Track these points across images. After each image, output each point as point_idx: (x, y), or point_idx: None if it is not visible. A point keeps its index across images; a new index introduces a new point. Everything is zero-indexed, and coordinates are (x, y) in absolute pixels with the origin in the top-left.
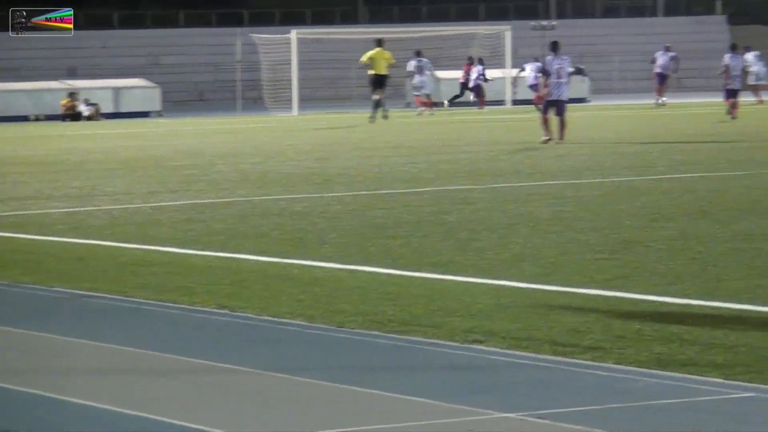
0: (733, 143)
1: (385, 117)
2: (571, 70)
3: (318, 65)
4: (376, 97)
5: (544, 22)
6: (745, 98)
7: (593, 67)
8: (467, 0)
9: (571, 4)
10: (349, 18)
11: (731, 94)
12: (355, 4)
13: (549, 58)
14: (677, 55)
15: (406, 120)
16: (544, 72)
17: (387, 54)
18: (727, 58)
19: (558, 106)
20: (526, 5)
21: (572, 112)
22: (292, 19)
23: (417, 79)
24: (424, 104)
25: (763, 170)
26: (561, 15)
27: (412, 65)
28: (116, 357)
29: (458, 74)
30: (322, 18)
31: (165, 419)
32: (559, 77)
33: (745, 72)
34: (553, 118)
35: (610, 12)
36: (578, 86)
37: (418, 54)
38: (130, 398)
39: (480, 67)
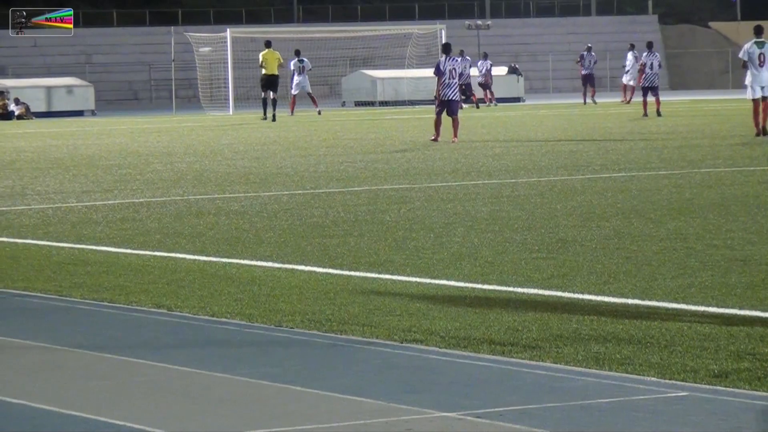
0: (665, 141)
1: (273, 118)
2: (461, 71)
3: (253, 64)
4: (268, 96)
5: (479, 22)
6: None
7: (528, 67)
8: None
9: (506, 4)
10: (283, 17)
11: (648, 91)
12: (290, 4)
13: (442, 59)
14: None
15: (340, 119)
16: (437, 73)
17: (277, 54)
18: (643, 56)
19: (450, 106)
20: (460, 5)
21: (507, 111)
22: (226, 18)
23: (296, 78)
24: (293, 104)
25: (694, 169)
26: (495, 14)
27: (292, 65)
28: (51, 356)
29: (395, 73)
30: (256, 17)
31: (101, 418)
32: (451, 78)
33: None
34: (445, 118)
35: (544, 11)
36: (513, 85)
37: (298, 54)
38: (65, 398)
39: (488, 63)
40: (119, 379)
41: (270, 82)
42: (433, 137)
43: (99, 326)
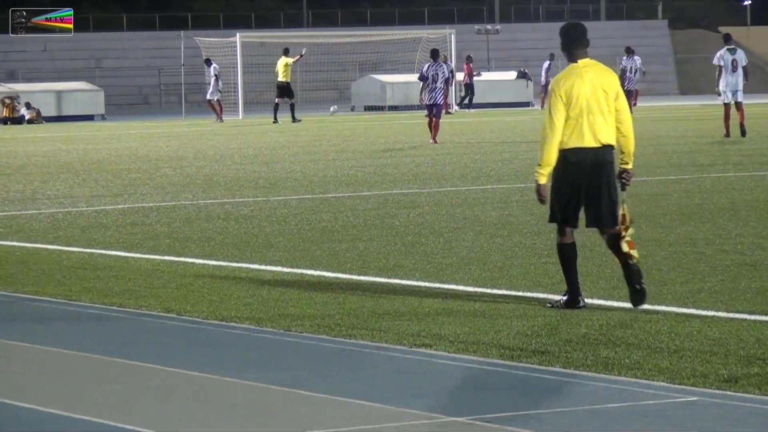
0: (674, 146)
1: (294, 120)
2: (446, 76)
3: (262, 69)
4: (280, 101)
5: (488, 26)
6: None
7: (537, 71)
8: (411, 4)
9: (515, 9)
10: (293, 21)
11: (627, 94)
12: (300, 8)
13: (427, 65)
14: None
15: (350, 123)
16: (422, 78)
17: (288, 61)
18: (623, 60)
19: (433, 109)
20: (470, 9)
21: (517, 116)
22: (235, 22)
23: (212, 85)
24: (216, 109)
25: (704, 174)
26: (505, 19)
27: (212, 71)
28: (60, 360)
29: (405, 78)
30: (266, 21)
31: (110, 422)
32: (435, 82)
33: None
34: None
35: (553, 16)
36: (522, 90)
37: (207, 62)
38: (73, 401)
39: (546, 63)
40: (128, 383)
41: (285, 89)
42: (431, 140)
43: (108, 330)
